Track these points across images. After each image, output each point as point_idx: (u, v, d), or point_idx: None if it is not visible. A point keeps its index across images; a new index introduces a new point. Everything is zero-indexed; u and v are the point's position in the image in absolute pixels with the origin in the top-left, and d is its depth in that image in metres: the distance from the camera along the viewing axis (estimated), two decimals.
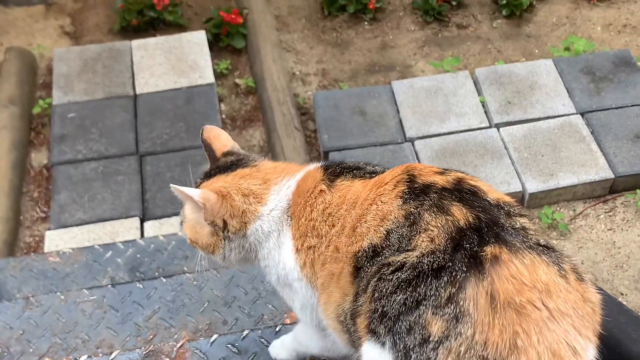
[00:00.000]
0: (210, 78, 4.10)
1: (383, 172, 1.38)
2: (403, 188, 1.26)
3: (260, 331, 1.91)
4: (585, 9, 4.54)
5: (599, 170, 3.50)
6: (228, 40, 4.33)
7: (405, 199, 1.23)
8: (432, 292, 1.09)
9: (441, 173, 1.27)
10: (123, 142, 3.80)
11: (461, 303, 1.06)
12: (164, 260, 2.75)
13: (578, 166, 3.51)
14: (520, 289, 1.05)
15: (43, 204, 3.66)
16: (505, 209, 1.20)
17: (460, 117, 3.80)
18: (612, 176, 3.48)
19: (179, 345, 1.87)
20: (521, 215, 1.21)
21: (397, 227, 1.21)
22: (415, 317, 1.10)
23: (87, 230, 3.40)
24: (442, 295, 1.07)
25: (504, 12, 4.51)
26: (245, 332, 1.90)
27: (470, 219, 1.14)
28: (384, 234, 1.23)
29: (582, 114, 3.77)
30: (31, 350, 2.24)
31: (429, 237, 1.16)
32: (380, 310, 1.17)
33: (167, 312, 2.30)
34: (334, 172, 1.43)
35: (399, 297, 1.13)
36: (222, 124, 3.95)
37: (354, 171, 1.42)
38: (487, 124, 3.77)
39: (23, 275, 2.75)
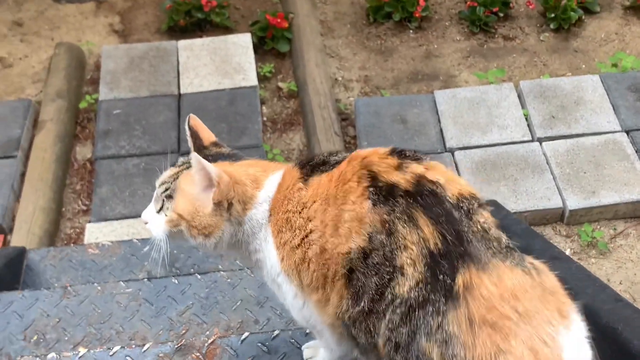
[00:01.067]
0: (253, 80, 4.13)
1: (344, 157, 1.42)
2: (366, 185, 1.30)
3: (290, 332, 1.91)
4: (635, 26, 4.47)
5: None
6: (273, 43, 4.36)
7: (373, 200, 1.28)
8: (421, 322, 1.19)
9: (398, 167, 1.31)
10: (165, 140, 3.85)
11: (446, 328, 1.17)
12: (199, 257, 2.78)
13: (621, 185, 3.45)
14: (490, 307, 1.16)
15: (85, 196, 3.72)
16: (465, 208, 1.26)
17: (503, 129, 3.76)
18: None
19: (210, 341, 1.89)
20: (480, 206, 1.29)
21: (376, 232, 1.27)
22: (416, 345, 1.20)
23: (126, 224, 3.46)
24: (432, 323, 1.18)
25: (551, 26, 4.46)
26: (276, 332, 1.90)
27: (438, 241, 1.21)
28: (367, 236, 1.28)
29: (628, 132, 3.70)
30: (66, 338, 2.28)
31: (410, 258, 1.23)
32: (394, 341, 1.25)
33: (200, 309, 2.32)
34: (307, 171, 1.45)
35: (404, 330, 1.23)
36: (263, 127, 3.98)
37: (322, 167, 1.44)
38: (530, 138, 3.74)
39: (62, 265, 2.80)
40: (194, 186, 1.46)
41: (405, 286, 1.22)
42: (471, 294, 1.17)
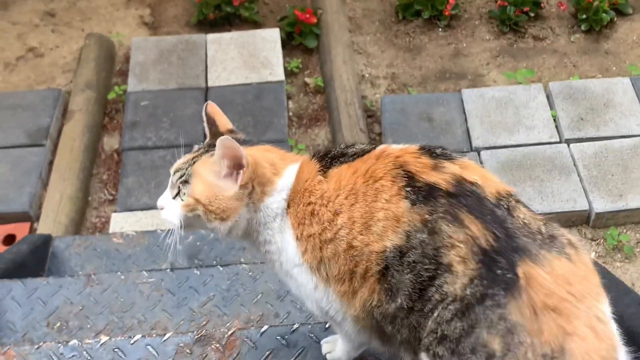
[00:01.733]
0: (280, 75, 4.14)
1: (365, 151, 1.42)
2: (402, 184, 1.31)
3: (310, 326, 1.91)
4: None
5: None
6: (301, 39, 4.37)
7: (412, 200, 1.29)
8: (481, 317, 1.21)
9: (434, 168, 1.32)
10: (192, 132, 3.87)
11: (509, 318, 1.19)
12: (222, 249, 2.80)
13: None
14: (549, 293, 1.20)
15: (111, 186, 3.76)
16: (505, 205, 1.29)
17: (530, 130, 3.73)
18: None
19: (230, 332, 1.90)
20: (517, 202, 1.32)
21: (415, 231, 1.27)
22: (474, 339, 1.21)
23: (151, 215, 3.49)
24: (492, 317, 1.20)
25: (582, 27, 4.41)
26: (295, 326, 1.91)
27: (490, 239, 1.23)
28: (404, 235, 1.28)
29: None
30: (89, 326, 2.31)
31: (459, 256, 1.23)
32: (440, 334, 1.25)
33: (221, 300, 2.33)
34: (326, 163, 1.46)
35: (458, 324, 1.23)
36: (288, 121, 3.99)
37: (340, 158, 1.45)
38: (557, 139, 3.70)
39: (87, 253, 2.83)
40: (213, 170, 1.47)
41: (457, 284, 1.23)
42: (530, 284, 1.21)
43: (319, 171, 1.45)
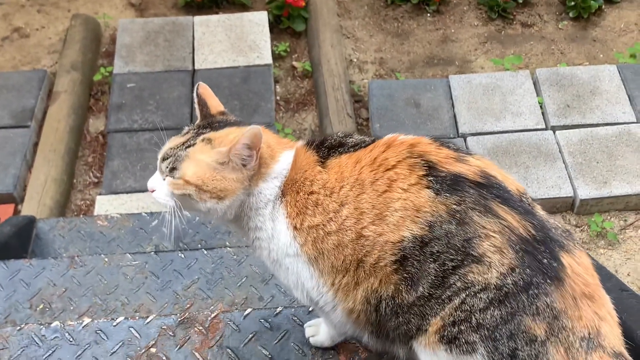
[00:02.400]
0: (268, 59, 4.12)
1: (366, 142, 1.41)
2: (422, 173, 1.30)
3: (293, 309, 1.92)
4: None
5: None
6: (289, 22, 4.34)
7: (435, 190, 1.28)
8: (525, 304, 1.24)
9: (458, 159, 1.32)
10: (178, 115, 3.86)
11: (554, 305, 1.24)
12: (207, 233, 2.79)
13: (633, 176, 3.43)
14: (585, 282, 1.27)
15: (96, 169, 3.74)
16: (525, 201, 1.32)
17: (517, 116, 3.74)
18: None
19: (213, 315, 1.90)
20: (533, 200, 1.36)
21: (440, 221, 1.26)
22: (514, 326, 1.24)
23: (136, 198, 3.47)
24: (538, 304, 1.24)
25: (571, 14, 4.41)
26: (279, 309, 1.91)
27: (530, 228, 1.26)
28: (426, 225, 1.27)
29: None
30: (72, 308, 2.30)
31: (494, 246, 1.24)
32: (475, 321, 1.27)
33: (205, 284, 2.33)
34: (324, 153, 1.44)
35: (495, 312, 1.25)
36: (275, 105, 3.97)
37: (338, 148, 1.43)
38: (544, 126, 3.71)
39: (71, 235, 2.82)
40: (215, 159, 1.42)
41: (490, 273, 1.24)
42: (570, 274, 1.27)
43: (317, 161, 1.43)
